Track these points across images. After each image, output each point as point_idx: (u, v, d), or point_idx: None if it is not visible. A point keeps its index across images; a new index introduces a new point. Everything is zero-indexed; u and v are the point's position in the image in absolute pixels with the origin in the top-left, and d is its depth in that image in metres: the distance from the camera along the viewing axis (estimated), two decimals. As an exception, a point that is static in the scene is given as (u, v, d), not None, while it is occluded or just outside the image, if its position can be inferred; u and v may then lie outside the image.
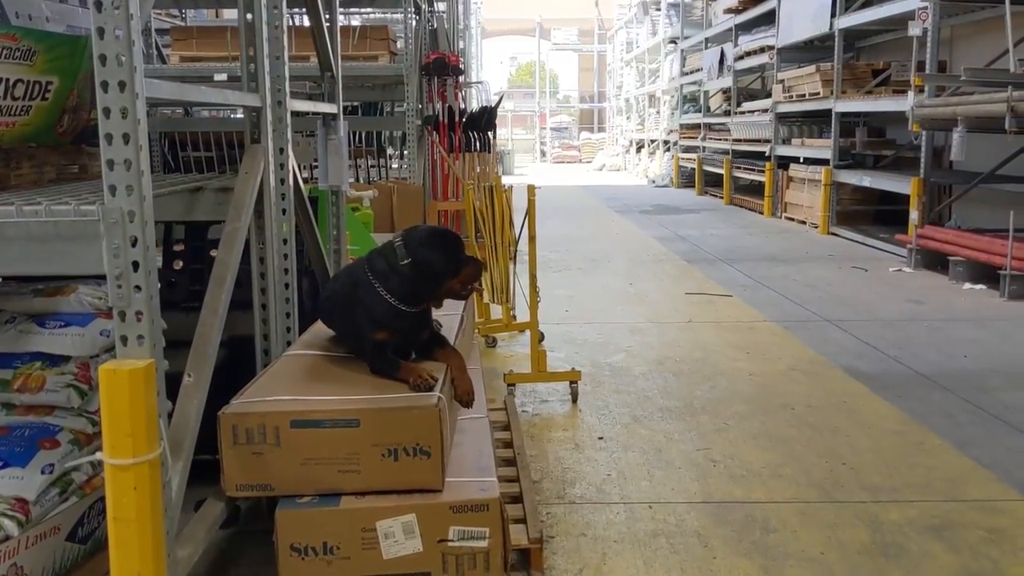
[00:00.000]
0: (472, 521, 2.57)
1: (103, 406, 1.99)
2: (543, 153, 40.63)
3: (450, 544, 2.57)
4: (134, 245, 2.01)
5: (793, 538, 3.14)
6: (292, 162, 3.40)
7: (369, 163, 10.44)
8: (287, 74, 3.33)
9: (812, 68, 12.68)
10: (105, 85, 1.96)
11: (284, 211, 3.35)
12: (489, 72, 41.55)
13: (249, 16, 3.10)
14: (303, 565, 2.53)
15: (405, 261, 2.89)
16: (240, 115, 5.95)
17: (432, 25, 10.33)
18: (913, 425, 4.30)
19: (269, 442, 2.57)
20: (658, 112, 26.06)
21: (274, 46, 3.22)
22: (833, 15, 11.82)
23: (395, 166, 11.29)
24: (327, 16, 4.23)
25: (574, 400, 4.68)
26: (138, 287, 2.02)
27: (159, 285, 2.09)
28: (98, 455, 2.01)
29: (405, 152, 9.77)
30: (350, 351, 3.16)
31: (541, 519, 3.22)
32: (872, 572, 2.89)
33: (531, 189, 4.67)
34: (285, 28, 3.33)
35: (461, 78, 10.04)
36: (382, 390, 2.75)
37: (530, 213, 4.70)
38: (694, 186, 19.95)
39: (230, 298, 2.70)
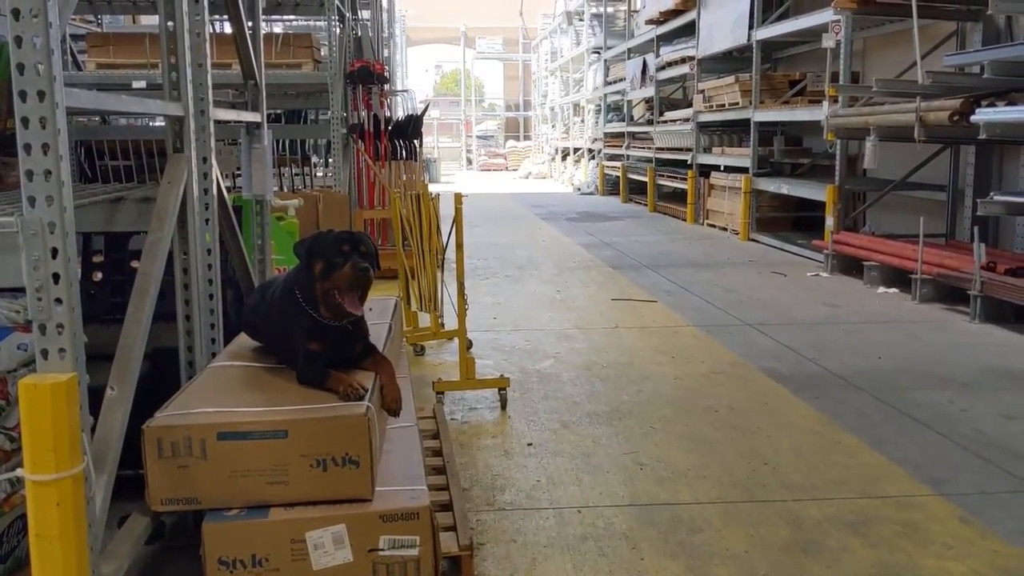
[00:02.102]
0: (402, 530, 2.58)
1: (24, 421, 1.94)
2: (469, 161, 40.69)
3: (381, 553, 2.57)
4: (54, 257, 1.97)
5: (718, 537, 3.22)
6: (216, 171, 3.37)
7: (293, 171, 10.32)
8: (210, 82, 3.30)
9: (731, 79, 12.99)
10: (23, 95, 1.92)
11: (208, 221, 3.31)
12: (415, 80, 41.46)
13: (170, 23, 3.06)
14: (232, 579, 2.50)
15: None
16: (160, 123, 5.83)
17: (356, 33, 10.29)
18: (830, 425, 4.44)
19: (195, 455, 2.54)
20: (583, 121, 26.34)
21: (196, 54, 3.19)
22: (751, 27, 12.13)
23: (319, 174, 11.19)
24: (250, 24, 4.20)
25: (503, 407, 4.71)
26: (59, 299, 1.98)
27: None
28: (19, 471, 1.97)
29: (330, 160, 9.70)
30: (279, 361, 3.14)
31: (471, 526, 3.24)
32: (793, 568, 2.98)
33: (458, 197, 4.69)
34: (207, 35, 3.29)
35: (386, 86, 10.02)
36: (310, 400, 2.74)
37: (457, 221, 4.72)
38: (619, 193, 20.21)
39: (153, 310, 2.66)
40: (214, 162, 3.33)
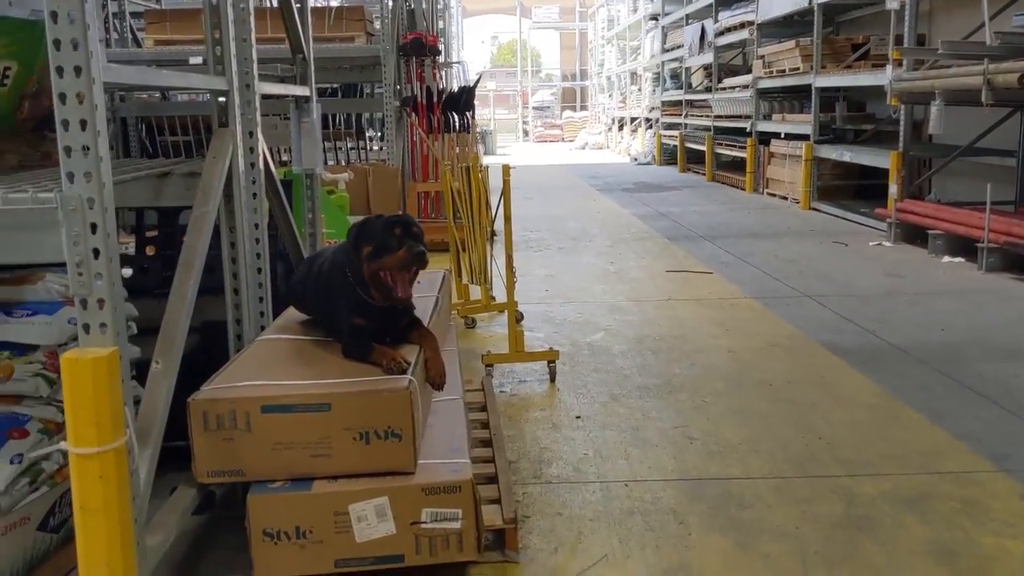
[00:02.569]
0: (445, 503, 2.58)
1: (65, 395, 1.97)
2: (526, 132, 40.50)
3: (423, 526, 2.57)
4: (94, 232, 1.98)
5: (768, 513, 3.16)
6: (262, 145, 3.37)
7: (349, 145, 10.36)
8: (255, 56, 3.30)
9: (792, 43, 12.66)
10: (60, 70, 1.93)
11: (255, 195, 3.32)
12: (471, 51, 41.31)
13: (213, -2, 3.05)
14: (276, 550, 2.53)
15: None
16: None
17: (409, 5, 10.24)
18: (889, 399, 4.33)
19: (240, 428, 2.57)
20: (640, 89, 25.99)
21: (240, 28, 3.19)
22: (812, -11, 11.79)
23: (376, 148, 11.23)
24: (297, -3, 4.19)
25: (552, 380, 4.69)
26: (99, 274, 2.00)
27: (127, 272, 2.08)
28: (63, 444, 2.00)
29: (382, 135, 9.72)
30: (325, 334, 3.15)
31: (517, 499, 3.23)
32: (846, 545, 2.91)
33: (506, 169, 4.65)
34: (252, 9, 3.29)
35: (439, 58, 9.98)
36: (354, 374, 2.75)
37: (505, 193, 4.69)
38: (676, 163, 19.94)
39: (199, 283, 2.68)
40: (260, 136, 3.34)
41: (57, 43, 1.92)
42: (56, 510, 2.66)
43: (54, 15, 1.91)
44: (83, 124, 1.95)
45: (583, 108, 40.87)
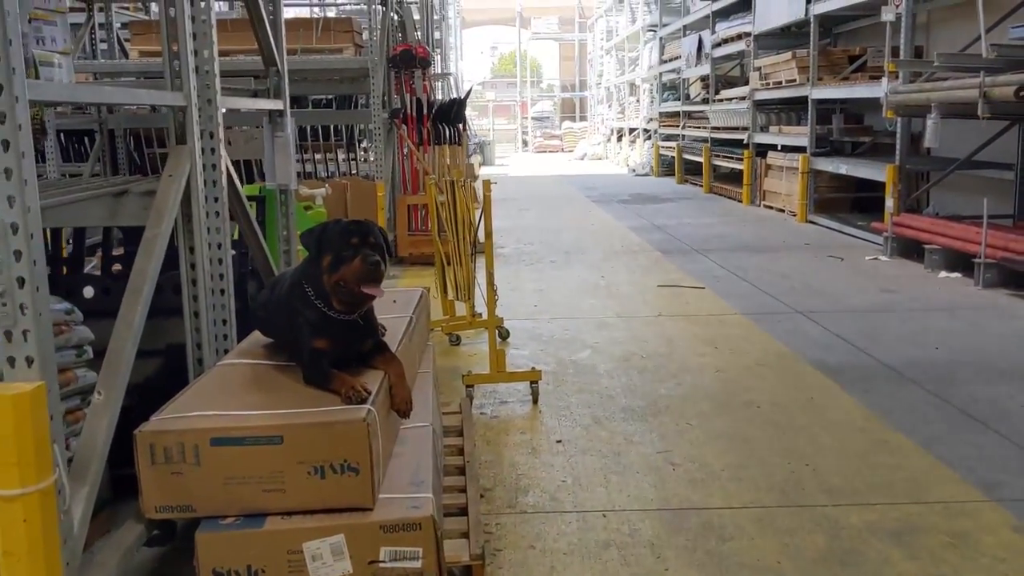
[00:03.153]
0: (404, 541, 2.45)
1: (-14, 434, 1.85)
2: (525, 143, 40.46)
3: (381, 565, 2.44)
4: (18, 260, 1.87)
5: (750, 546, 3.03)
6: (226, 162, 3.26)
7: (341, 157, 10.26)
8: (217, 70, 3.18)
9: (788, 55, 12.57)
10: (-21, 89, 1.82)
11: (218, 213, 3.20)
12: (470, 62, 41.32)
13: (171, 10, 2.94)
14: (226, 590, 2.40)
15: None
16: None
17: (400, 16, 10.16)
18: (878, 422, 4.20)
19: (188, 461, 2.44)
20: (638, 100, 25.92)
21: (200, 40, 3.07)
22: (809, 1, 11.70)
23: (368, 160, 11.11)
24: (270, 8, 4.09)
25: (534, 401, 4.56)
26: (24, 305, 1.88)
27: (89, 291, 1.96)
28: (-17, 486, 1.88)
29: (368, 147, 9.62)
30: (289, 358, 3.03)
31: (489, 531, 3.11)
32: (828, 582, 2.79)
33: (487, 185, 4.54)
34: (214, 22, 3.18)
35: (429, 70, 9.88)
36: (312, 403, 2.62)
37: (486, 209, 4.57)
38: (674, 175, 19.85)
39: (147, 308, 2.57)
40: (223, 153, 3.22)
41: (-25, 61, 1.81)
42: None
43: (-27, 31, 1.80)
44: (5, 145, 1.84)
45: (582, 118, 40.83)
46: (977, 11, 7.40)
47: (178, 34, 2.94)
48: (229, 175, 3.30)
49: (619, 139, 28.45)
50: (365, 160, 9.67)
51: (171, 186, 2.81)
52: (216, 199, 3.18)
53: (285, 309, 2.93)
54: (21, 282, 1.88)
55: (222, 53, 8.73)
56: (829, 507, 3.31)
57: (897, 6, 9.11)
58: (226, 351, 3.26)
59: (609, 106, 32.18)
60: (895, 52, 9.32)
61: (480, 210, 4.67)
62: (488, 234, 4.58)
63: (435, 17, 17.69)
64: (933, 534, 3.08)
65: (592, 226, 12.04)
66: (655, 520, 3.24)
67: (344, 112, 9.90)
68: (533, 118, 41.06)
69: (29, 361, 1.90)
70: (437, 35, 18.74)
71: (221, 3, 11.20)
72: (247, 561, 2.40)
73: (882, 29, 9.92)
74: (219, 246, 3.21)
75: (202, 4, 3.10)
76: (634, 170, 23.54)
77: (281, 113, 4.24)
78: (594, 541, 3.08)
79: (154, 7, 10.61)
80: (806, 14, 11.81)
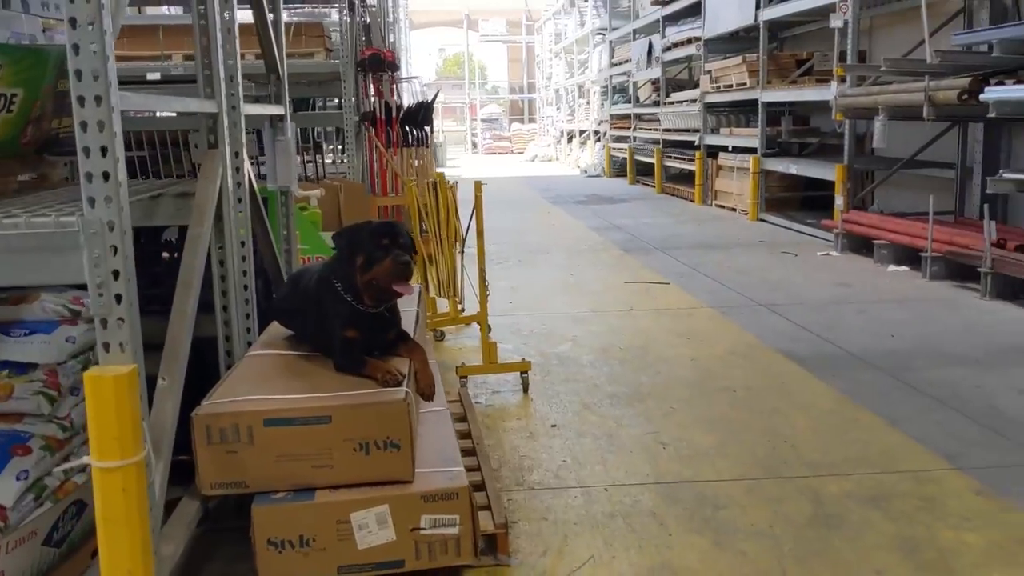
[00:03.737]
0: (442, 509, 2.68)
1: (89, 411, 2.04)
2: (474, 144, 40.68)
3: (422, 532, 2.68)
4: (114, 254, 2.06)
5: (742, 513, 3.32)
6: (247, 164, 3.45)
7: (305, 159, 10.39)
8: (240, 78, 3.38)
9: (739, 59, 13.00)
10: (82, 100, 2.01)
11: (241, 213, 3.40)
12: (417, 64, 41.35)
13: (202, 22, 3.13)
14: (280, 559, 2.61)
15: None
16: (167, 114, 5.93)
17: (365, 20, 10.33)
18: (847, 403, 4.53)
19: (243, 440, 2.65)
20: (588, 103, 26.33)
21: (228, 49, 3.27)
22: (758, 7, 12.13)
23: (329, 161, 11.25)
24: (272, 15, 4.27)
25: (525, 390, 4.81)
26: (119, 295, 2.08)
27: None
28: (85, 459, 2.07)
29: (339, 148, 9.78)
30: (313, 349, 3.24)
31: (503, 505, 3.34)
32: (817, 542, 3.08)
33: (478, 186, 4.77)
34: (237, 30, 3.37)
35: (396, 73, 10.07)
36: (350, 387, 2.84)
37: (477, 209, 4.81)
38: (626, 175, 20.25)
39: (198, 300, 2.76)
40: (246, 156, 3.42)
41: (79, 73, 2.00)
42: (59, 524, 2.71)
43: (76, 47, 1.99)
44: (103, 151, 2.03)
45: (531, 120, 41.20)
46: (921, 17, 7.83)
47: (209, 43, 3.13)
48: (249, 178, 3.49)
49: (569, 141, 28.83)
50: (334, 162, 9.81)
51: (208, 188, 3.00)
52: (240, 200, 3.37)
53: (314, 303, 3.15)
54: (116, 275, 2.07)
55: (189, 58, 8.73)
56: (811, 478, 3.61)
57: (844, 13, 9.54)
58: (249, 343, 3.44)
59: (558, 108, 32.57)
60: (842, 56, 9.77)
61: (472, 210, 4.90)
62: (480, 233, 4.82)
63: (388, 20, 17.84)
64: (906, 499, 3.40)
65: (553, 226, 12.33)
66: (653, 493, 3.51)
67: (318, 114, 10.05)
68: (482, 120, 41.29)
69: (123, 346, 2.09)
70: (391, 38, 18.88)
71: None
72: (299, 531, 2.62)
73: (827, 34, 10.38)
74: (243, 244, 3.40)
75: (226, 15, 3.29)
76: (586, 171, 23.91)
77: (282, 118, 4.42)
78: (600, 512, 3.35)
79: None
80: (755, 19, 12.24)
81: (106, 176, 2.04)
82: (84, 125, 2.02)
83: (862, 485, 3.53)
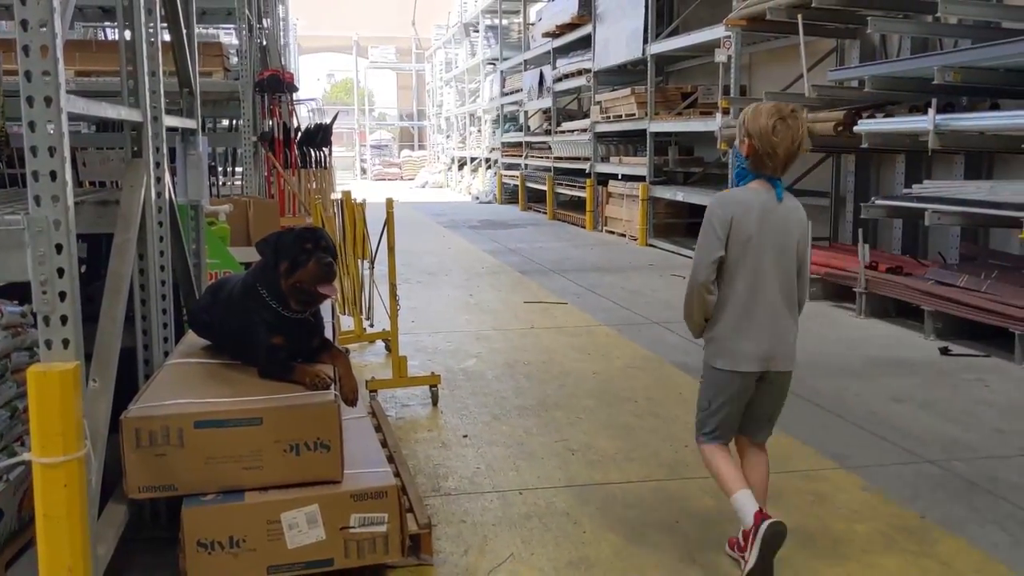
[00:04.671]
0: (372, 508, 2.77)
1: (32, 408, 2.06)
2: (364, 170, 40.51)
3: (352, 531, 2.75)
4: (59, 252, 2.09)
5: (650, 511, 3.50)
6: (168, 176, 3.48)
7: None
8: (162, 90, 3.41)
9: (627, 91, 13.49)
10: (31, 100, 2.05)
11: (161, 223, 3.42)
12: (306, 89, 40.95)
13: (128, 34, 3.17)
14: (210, 560, 2.64)
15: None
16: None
17: (262, 42, 10.30)
18: (740, 411, 4.80)
19: (172, 443, 2.68)
20: (479, 131, 26.66)
21: (152, 63, 3.30)
22: (645, 41, 12.64)
23: (225, 183, 11.12)
24: (186, 31, 4.29)
25: (435, 403, 4.91)
26: (63, 293, 2.11)
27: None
28: (26, 455, 2.08)
29: (239, 169, 9.70)
30: (233, 358, 3.27)
31: (425, 507, 3.43)
32: (721, 535, 3.28)
33: (389, 203, 4.88)
34: (160, 45, 3.41)
35: (295, 95, 10.07)
36: (276, 391, 2.90)
37: (389, 225, 4.91)
38: (518, 202, 20.56)
39: (125, 306, 2.78)
40: (166, 167, 3.44)
41: (28, 75, 2.04)
42: (-22, 532, 2.67)
43: (26, 48, 2.03)
44: (51, 151, 2.07)
45: (421, 147, 41.34)
46: (800, 55, 8.35)
47: (135, 56, 3.16)
48: (169, 188, 3.51)
49: (460, 168, 29.06)
50: (225, 184, 9.71)
51: (133, 195, 3.02)
52: (161, 209, 3.39)
53: (238, 311, 3.19)
54: (60, 272, 2.10)
55: (83, 74, 8.57)
56: (711, 479, 3.82)
57: (728, 49, 10.07)
58: (167, 353, 3.45)
59: (448, 136, 32.82)
60: (725, 90, 10.29)
61: (383, 228, 4.99)
62: (391, 248, 4.92)
63: (280, 43, 17.73)
64: (800, 494, 3.66)
65: (449, 249, 12.47)
66: (566, 495, 3.67)
67: (215, 135, 9.93)
68: (372, 146, 41.19)
69: (65, 343, 2.12)
70: (282, 61, 18.75)
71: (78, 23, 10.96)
72: (229, 532, 2.66)
73: (710, 69, 10.92)
74: (162, 253, 3.42)
75: (150, 28, 3.32)
76: (477, 198, 24.14)
77: (194, 132, 4.43)
78: (516, 514, 3.48)
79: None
80: (643, 53, 12.74)
81: (53, 175, 2.08)
82: (32, 125, 2.06)
83: (759, 484, 3.77)
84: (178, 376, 3.11)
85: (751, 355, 2.93)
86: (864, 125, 7.21)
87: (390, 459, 3.72)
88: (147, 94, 3.22)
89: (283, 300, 3.07)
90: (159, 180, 3.38)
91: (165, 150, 3.45)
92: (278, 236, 3.15)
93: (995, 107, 7.22)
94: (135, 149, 3.20)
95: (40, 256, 2.08)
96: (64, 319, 2.11)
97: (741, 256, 2.88)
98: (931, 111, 6.32)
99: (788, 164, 2.91)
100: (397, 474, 3.55)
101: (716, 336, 2.99)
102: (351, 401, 3.19)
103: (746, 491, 2.93)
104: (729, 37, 10.01)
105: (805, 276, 3.07)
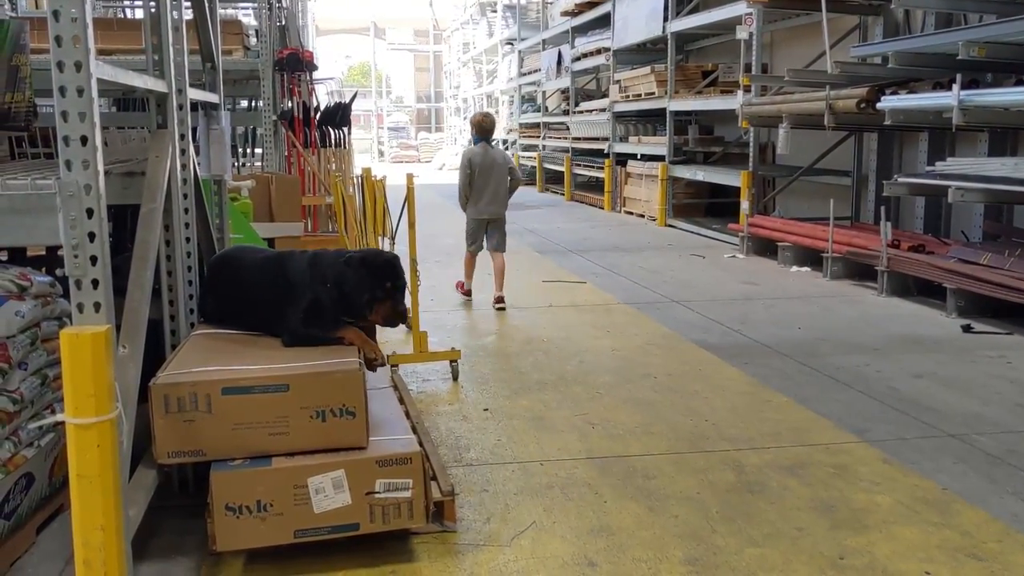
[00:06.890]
0: (396, 474, 2.80)
1: (65, 369, 2.09)
2: (381, 153, 40.56)
3: (377, 496, 2.78)
4: (90, 217, 2.12)
5: (671, 482, 3.52)
6: (192, 148, 3.50)
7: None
8: (186, 63, 3.43)
9: (647, 69, 13.41)
10: (61, 65, 2.07)
11: (186, 195, 3.45)
12: (323, 71, 40.98)
13: (153, 8, 3.19)
14: (238, 523, 2.68)
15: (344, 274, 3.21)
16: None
17: (281, 21, 10.32)
18: (760, 386, 4.81)
19: (200, 409, 2.71)
20: (497, 112, 26.60)
21: (176, 34, 3.32)
22: (666, 19, 12.56)
23: (241, 163, 11.17)
24: (209, 8, 4.31)
25: (455, 378, 4.94)
26: (94, 257, 2.13)
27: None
28: (60, 416, 2.12)
29: (258, 150, 9.74)
30: (251, 329, 3.31)
31: (448, 475, 3.47)
32: (741, 505, 3.30)
33: (409, 178, 4.89)
34: (184, 20, 3.43)
35: (314, 74, 10.08)
36: (302, 359, 2.93)
37: (409, 200, 4.92)
38: (535, 183, 20.54)
39: (153, 273, 2.81)
40: (191, 139, 3.47)
41: (59, 39, 2.06)
42: (10, 497, 2.72)
43: (56, 13, 2.05)
44: (81, 116, 2.09)
45: (439, 129, 41.32)
46: (822, 31, 8.29)
47: (161, 29, 3.18)
48: (193, 160, 3.54)
49: (478, 149, 28.97)
50: (248, 163, 9.75)
51: (159, 166, 3.05)
52: (186, 181, 3.42)
53: (284, 286, 3.24)
54: (91, 237, 2.13)
55: (105, 52, 8.62)
56: (732, 451, 3.85)
57: (749, 26, 10.00)
58: (192, 324, 3.49)
59: (465, 117, 32.76)
60: (747, 68, 10.23)
61: (404, 204, 5.01)
62: (411, 224, 4.94)
63: (298, 24, 17.75)
64: (820, 467, 3.66)
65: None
66: (586, 466, 3.69)
67: (237, 114, 9.97)
68: (389, 128, 41.20)
69: (97, 307, 2.15)
70: (301, 42, 18.76)
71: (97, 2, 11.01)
72: (257, 496, 2.70)
73: (730, 47, 10.86)
74: (187, 225, 3.45)
75: (175, 2, 3.34)
76: (495, 179, 24.07)
77: (216, 107, 4.45)
78: (537, 483, 3.50)
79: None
80: (663, 31, 12.66)
81: (84, 140, 2.10)
82: (63, 90, 2.08)
83: (780, 456, 3.78)
84: (205, 345, 3.15)
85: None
86: (887, 102, 7.16)
87: (413, 430, 3.76)
88: (172, 65, 3.24)
89: (346, 310, 3.18)
90: (183, 152, 3.40)
91: (189, 122, 3.47)
92: (362, 262, 3.23)
93: (1021, 83, 7.14)
94: (160, 120, 3.23)
95: (72, 220, 2.10)
96: (95, 283, 2.14)
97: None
98: (955, 87, 6.27)
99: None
100: (420, 444, 3.59)
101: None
102: (377, 365, 3.22)
103: None
104: (751, 13, 9.94)
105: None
